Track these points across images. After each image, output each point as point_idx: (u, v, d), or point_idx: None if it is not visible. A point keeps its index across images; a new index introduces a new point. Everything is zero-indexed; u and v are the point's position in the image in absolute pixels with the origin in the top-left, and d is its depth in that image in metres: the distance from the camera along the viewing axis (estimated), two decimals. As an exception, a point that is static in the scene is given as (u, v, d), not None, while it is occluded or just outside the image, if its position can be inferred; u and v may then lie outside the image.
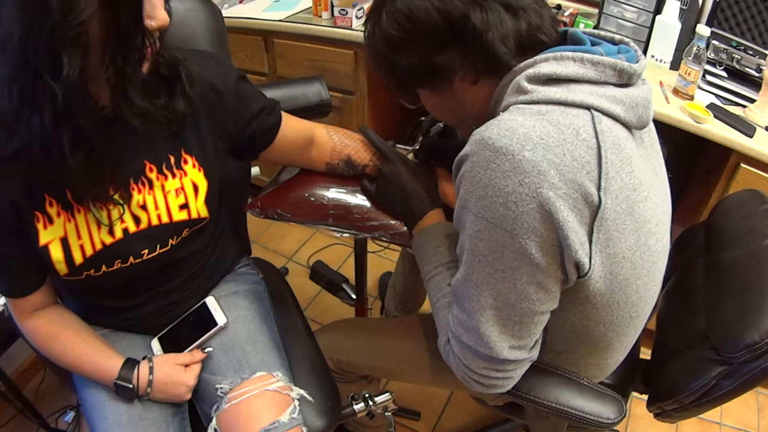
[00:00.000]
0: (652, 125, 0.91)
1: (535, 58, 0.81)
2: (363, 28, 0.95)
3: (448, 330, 0.91)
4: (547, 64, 0.79)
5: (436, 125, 1.24)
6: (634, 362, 1.25)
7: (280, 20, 2.23)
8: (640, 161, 0.83)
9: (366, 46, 0.94)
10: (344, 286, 2.36)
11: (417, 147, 1.23)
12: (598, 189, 0.74)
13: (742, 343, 0.91)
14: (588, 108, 0.76)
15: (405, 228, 1.12)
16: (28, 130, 0.78)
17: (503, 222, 0.74)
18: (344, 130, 1.23)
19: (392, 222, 1.14)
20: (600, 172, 0.74)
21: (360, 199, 1.17)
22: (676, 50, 1.84)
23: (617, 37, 0.89)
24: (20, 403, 1.77)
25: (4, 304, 1.26)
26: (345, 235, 1.16)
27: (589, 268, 0.77)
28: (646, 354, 1.26)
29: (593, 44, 0.86)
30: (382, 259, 2.52)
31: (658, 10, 1.86)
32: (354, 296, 2.26)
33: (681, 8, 1.81)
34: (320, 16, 2.21)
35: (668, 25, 1.82)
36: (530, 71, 0.79)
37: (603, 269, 0.79)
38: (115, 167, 0.91)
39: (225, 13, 2.34)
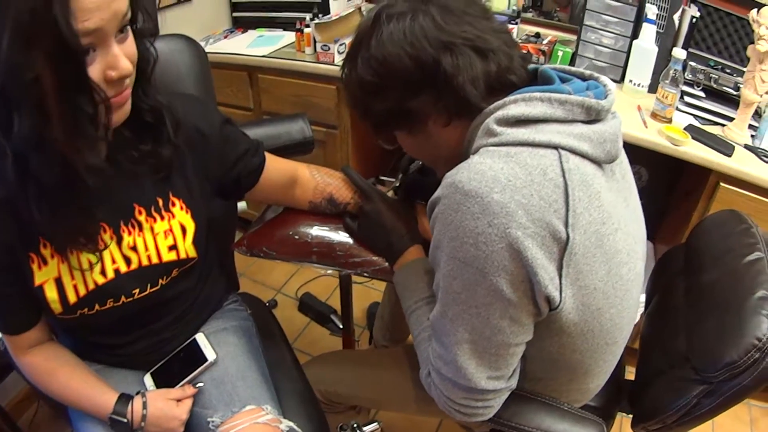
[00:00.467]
0: (623, 157, 0.94)
1: (504, 99, 0.83)
2: (340, 71, 0.97)
3: (428, 362, 0.93)
4: (516, 105, 0.81)
5: (414, 162, 1.27)
6: (619, 383, 1.26)
7: (263, 56, 2.27)
8: (610, 194, 0.85)
9: (344, 89, 0.97)
10: (332, 317, 2.37)
11: (397, 184, 1.26)
12: (566, 226, 0.76)
13: (722, 362, 0.93)
14: (555, 147, 0.79)
15: (387, 264, 1.14)
16: (3, 183, 0.81)
17: (474, 261, 0.76)
18: (326, 169, 1.25)
19: (374, 258, 1.16)
20: (567, 210, 0.76)
21: (343, 236, 1.20)
22: (653, 74, 1.88)
23: (587, 72, 0.92)
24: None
25: (0, 339, 1.29)
26: (329, 271, 1.18)
27: (560, 301, 0.79)
28: (632, 373, 1.27)
29: (563, 80, 0.89)
30: (369, 290, 2.52)
31: (635, 34, 1.90)
32: (340, 327, 2.27)
33: (657, 32, 1.85)
34: (303, 51, 2.26)
35: (645, 49, 1.86)
36: (499, 114, 0.82)
37: (575, 301, 0.81)
38: (87, 215, 0.92)
39: (210, 48, 2.39)
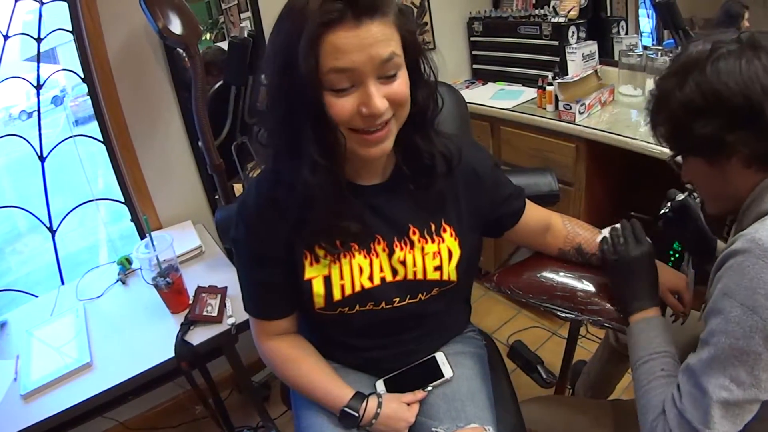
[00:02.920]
0: None
1: None
2: (658, 81, 1.02)
3: (661, 406, 0.98)
4: None
5: (677, 199, 1.32)
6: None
7: (507, 109, 2.41)
8: None
9: (658, 101, 1.02)
10: (539, 367, 2.37)
11: (666, 211, 1.31)
12: None
13: None
14: None
15: (621, 315, 1.21)
16: (296, 189, 1.00)
17: (761, 311, 0.83)
18: (577, 221, 1.35)
19: (611, 308, 1.23)
20: None
21: (585, 285, 1.28)
22: None
23: None
24: (217, 409, 1.98)
25: (232, 324, 1.54)
26: (568, 316, 1.26)
27: None
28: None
29: None
30: (578, 348, 2.51)
31: None
32: (545, 377, 2.28)
33: None
34: (544, 108, 2.36)
35: None
36: None
37: None
38: (361, 224, 1.08)
39: (455, 97, 2.59)
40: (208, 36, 2.09)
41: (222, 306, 1.59)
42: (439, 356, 1.28)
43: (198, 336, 1.54)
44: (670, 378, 1.02)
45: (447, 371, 1.24)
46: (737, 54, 0.90)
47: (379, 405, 1.15)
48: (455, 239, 1.17)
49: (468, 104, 2.46)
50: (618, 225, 1.28)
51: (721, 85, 0.89)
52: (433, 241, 1.14)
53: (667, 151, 1.09)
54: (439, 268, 1.15)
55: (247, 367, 1.99)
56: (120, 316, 1.69)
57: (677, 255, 2.20)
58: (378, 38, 0.87)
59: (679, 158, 1.07)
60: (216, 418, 1.99)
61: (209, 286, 1.65)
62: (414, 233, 1.13)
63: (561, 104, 2.23)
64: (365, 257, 1.10)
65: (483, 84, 2.81)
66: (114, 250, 2.35)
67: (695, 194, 1.34)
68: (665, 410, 0.97)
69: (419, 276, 1.14)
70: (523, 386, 2.33)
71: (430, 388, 1.22)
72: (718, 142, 0.92)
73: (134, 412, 2.24)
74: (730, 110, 0.89)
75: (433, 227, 1.15)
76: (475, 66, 2.93)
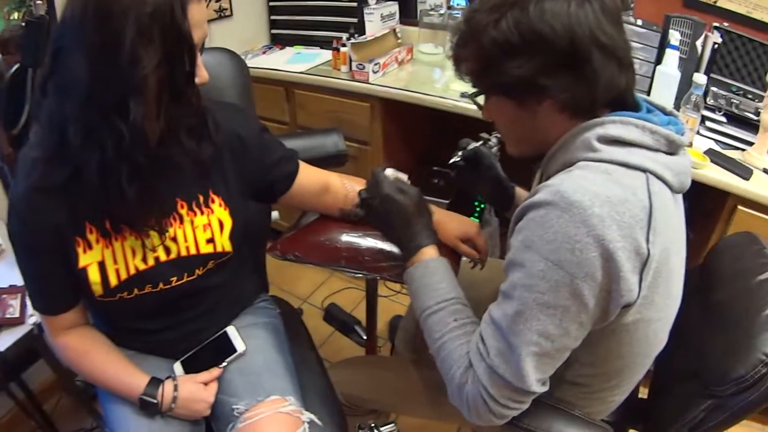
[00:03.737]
0: None
1: (603, 119, 0.89)
2: (466, 13, 0.96)
3: (466, 360, 0.96)
4: (615, 126, 0.88)
5: (470, 147, 1.33)
6: (634, 401, 1.29)
7: (301, 72, 2.37)
8: (675, 220, 0.93)
9: (469, 34, 0.94)
10: (356, 328, 2.42)
11: (458, 159, 1.31)
12: (647, 242, 0.83)
13: (729, 377, 0.96)
14: (644, 171, 0.86)
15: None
16: (87, 165, 0.90)
17: (567, 265, 0.82)
18: (357, 179, 1.33)
19: (398, 263, 1.20)
20: (649, 228, 0.83)
21: (371, 242, 1.26)
22: (676, 99, 1.92)
23: (668, 108, 0.99)
24: (41, 419, 1.86)
25: (34, 324, 1.42)
26: (358, 275, 1.25)
27: (632, 307, 0.87)
28: (644, 393, 1.32)
29: (648, 111, 0.95)
30: (393, 303, 2.58)
31: (658, 60, 1.95)
32: (364, 338, 2.32)
33: (680, 57, 1.89)
34: (339, 70, 2.34)
35: (668, 74, 1.91)
36: (600, 131, 0.88)
37: (637, 309, 0.88)
38: (160, 201, 1.03)
39: (249, 63, 2.46)
40: (16, 15, 1.92)
41: (23, 305, 1.49)
42: (231, 330, 1.26)
43: (3, 341, 1.42)
44: (466, 327, 1.00)
45: (239, 345, 1.23)
46: None
47: (175, 388, 1.13)
48: (225, 209, 1.15)
49: (262, 70, 2.41)
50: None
51: (544, 25, 0.84)
52: (202, 213, 1.12)
53: (463, 102, 1.05)
54: (211, 240, 1.13)
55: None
56: None
57: (483, 206, 2.31)
58: None
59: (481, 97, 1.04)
60: (44, 429, 1.88)
61: (9, 286, 1.52)
62: (182, 207, 1.10)
63: (354, 64, 2.23)
64: (136, 238, 1.05)
65: (281, 48, 2.74)
66: None
67: (491, 142, 1.36)
68: (473, 364, 0.94)
69: (192, 251, 1.12)
70: (346, 348, 2.38)
71: (224, 365, 1.21)
72: (532, 84, 0.89)
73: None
74: (551, 53, 0.86)
75: (201, 199, 1.12)
76: (273, 31, 2.85)
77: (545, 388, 0.93)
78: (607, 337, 0.93)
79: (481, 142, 1.34)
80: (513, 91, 0.93)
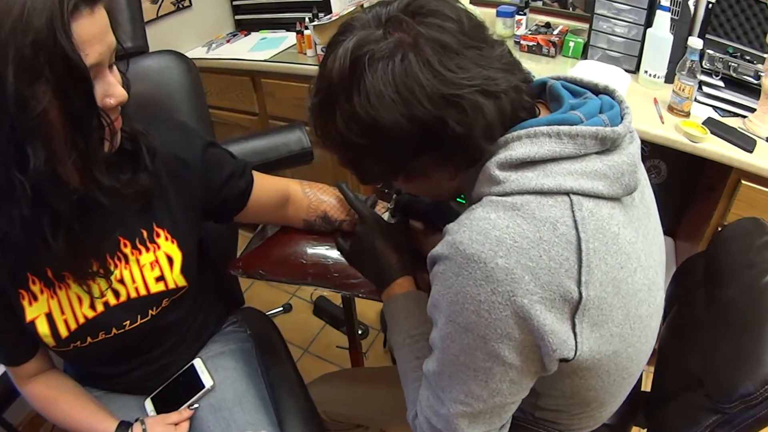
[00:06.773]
0: (641, 174, 0.83)
1: (506, 136, 0.74)
2: (309, 119, 0.81)
3: (418, 407, 0.88)
4: (521, 144, 0.72)
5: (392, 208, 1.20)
6: (636, 397, 1.22)
7: (265, 60, 2.25)
8: (628, 231, 0.76)
9: (317, 131, 0.80)
10: (346, 321, 2.36)
11: (392, 206, 1.18)
12: (579, 284, 0.69)
13: (737, 393, 0.88)
14: (566, 193, 0.71)
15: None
16: (9, 221, 0.81)
17: (475, 328, 0.70)
18: (319, 185, 1.21)
19: (365, 279, 1.12)
20: (581, 266, 0.69)
21: (339, 255, 1.16)
22: (670, 63, 1.79)
23: (601, 84, 0.84)
24: None
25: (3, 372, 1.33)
26: (326, 291, 1.15)
27: (575, 354, 0.73)
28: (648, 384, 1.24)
29: (574, 94, 0.81)
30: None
31: (648, 23, 1.82)
32: (360, 331, 2.24)
33: (672, 18, 1.76)
34: (305, 54, 2.22)
35: (660, 37, 1.78)
36: (502, 156, 0.73)
37: (590, 351, 0.74)
38: (95, 244, 0.94)
39: (213, 53, 2.37)
40: None
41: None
42: (197, 363, 1.20)
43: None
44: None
45: (207, 380, 1.17)
46: (390, 56, 0.69)
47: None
48: (172, 242, 1.07)
49: (225, 60, 2.28)
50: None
51: (377, 117, 0.69)
52: (147, 249, 1.05)
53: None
54: (161, 278, 1.06)
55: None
56: None
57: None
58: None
59: None
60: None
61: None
62: (125, 246, 1.02)
63: (318, 48, 2.10)
64: (81, 285, 0.98)
65: (246, 35, 2.59)
66: None
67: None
68: (417, 412, 0.88)
69: (142, 292, 1.04)
70: (339, 341, 2.34)
71: (196, 406, 1.15)
72: (403, 170, 0.78)
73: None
74: (401, 141, 0.71)
75: (144, 234, 1.04)
76: (237, 17, 2.70)
77: None
78: (567, 376, 0.80)
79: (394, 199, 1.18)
80: (393, 175, 0.82)
